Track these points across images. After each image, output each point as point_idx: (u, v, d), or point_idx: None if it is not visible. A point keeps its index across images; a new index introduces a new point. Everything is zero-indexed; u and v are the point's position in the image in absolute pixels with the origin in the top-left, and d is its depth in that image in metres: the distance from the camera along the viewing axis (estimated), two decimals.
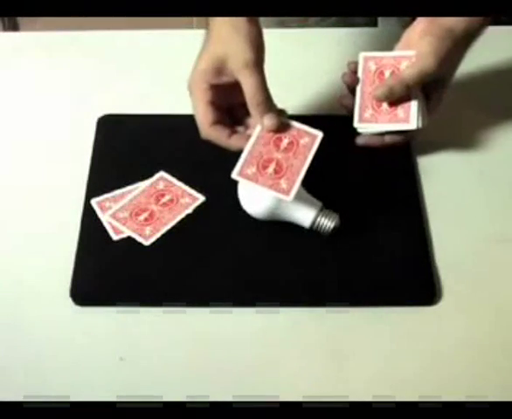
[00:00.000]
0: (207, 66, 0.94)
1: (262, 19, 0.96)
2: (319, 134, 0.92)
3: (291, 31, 1.21)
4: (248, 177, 0.91)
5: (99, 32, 1.20)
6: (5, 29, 1.93)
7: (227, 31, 0.93)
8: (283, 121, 0.93)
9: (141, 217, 0.95)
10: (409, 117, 0.95)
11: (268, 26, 1.19)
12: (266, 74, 0.93)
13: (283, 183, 0.90)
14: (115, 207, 0.96)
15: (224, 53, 0.93)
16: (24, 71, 1.16)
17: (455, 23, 0.95)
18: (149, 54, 1.17)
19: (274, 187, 0.90)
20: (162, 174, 1.00)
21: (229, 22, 0.94)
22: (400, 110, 0.96)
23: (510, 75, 1.14)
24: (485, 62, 1.13)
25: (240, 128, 0.96)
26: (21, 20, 1.98)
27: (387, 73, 0.97)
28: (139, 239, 0.93)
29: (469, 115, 1.08)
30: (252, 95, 0.92)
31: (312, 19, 1.23)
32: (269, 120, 0.92)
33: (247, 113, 0.94)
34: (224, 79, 0.94)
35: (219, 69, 0.93)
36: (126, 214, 0.96)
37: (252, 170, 0.91)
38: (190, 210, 0.96)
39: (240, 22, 0.93)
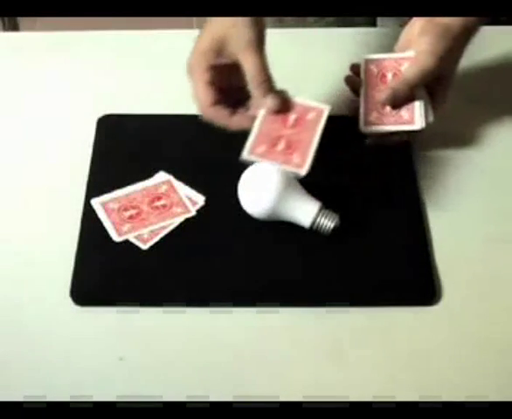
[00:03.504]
0: (207, 47, 0.93)
1: None
2: (325, 108, 0.92)
3: (289, 31, 1.21)
4: (259, 155, 0.91)
5: (99, 32, 1.19)
6: (5, 29, 1.93)
7: None
8: (286, 100, 0.93)
9: (127, 213, 0.95)
10: (413, 118, 0.96)
11: (266, 25, 1.19)
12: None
13: (295, 158, 0.90)
14: (111, 195, 0.96)
15: (224, 34, 0.92)
16: (24, 71, 1.16)
17: (453, 20, 0.95)
18: (149, 54, 1.17)
19: (287, 162, 0.90)
20: (162, 174, 0.99)
21: None
22: (405, 111, 0.96)
23: (510, 75, 1.14)
24: (485, 62, 1.13)
25: (241, 110, 0.95)
26: (21, 20, 1.97)
27: (389, 76, 0.97)
28: (137, 243, 0.93)
29: (469, 115, 1.07)
30: (254, 76, 0.91)
31: (310, 18, 1.23)
32: (272, 100, 0.92)
33: (247, 95, 0.94)
34: (224, 61, 0.93)
35: (219, 50, 0.93)
36: (115, 206, 0.95)
37: (262, 148, 0.91)
38: (176, 223, 0.95)
39: None
